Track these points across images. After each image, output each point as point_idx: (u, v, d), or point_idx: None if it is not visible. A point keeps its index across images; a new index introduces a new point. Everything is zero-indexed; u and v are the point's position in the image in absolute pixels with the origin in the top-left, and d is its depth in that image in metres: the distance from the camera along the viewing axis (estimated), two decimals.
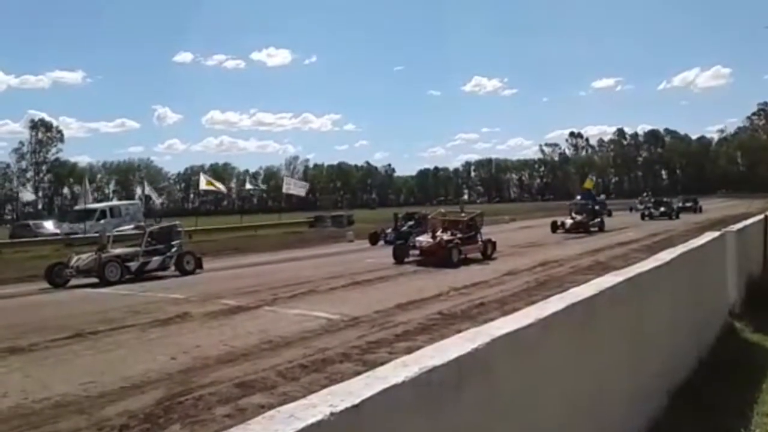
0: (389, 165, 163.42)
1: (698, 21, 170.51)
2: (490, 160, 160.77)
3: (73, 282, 16.91)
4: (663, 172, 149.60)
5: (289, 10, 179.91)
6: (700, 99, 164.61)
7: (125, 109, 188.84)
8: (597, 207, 35.35)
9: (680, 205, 47.36)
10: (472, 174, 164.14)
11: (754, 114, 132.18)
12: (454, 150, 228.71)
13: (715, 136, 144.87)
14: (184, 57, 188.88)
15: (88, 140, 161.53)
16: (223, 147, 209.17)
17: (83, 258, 17.37)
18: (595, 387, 3.89)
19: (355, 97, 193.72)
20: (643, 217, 42.07)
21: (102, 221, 36.26)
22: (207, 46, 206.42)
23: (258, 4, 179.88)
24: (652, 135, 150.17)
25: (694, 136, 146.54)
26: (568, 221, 31.14)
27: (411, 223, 26.64)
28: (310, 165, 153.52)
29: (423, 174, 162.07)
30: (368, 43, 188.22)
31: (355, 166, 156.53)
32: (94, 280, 16.76)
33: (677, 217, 41.37)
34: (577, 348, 3.71)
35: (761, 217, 12.57)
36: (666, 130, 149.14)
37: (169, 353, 8.71)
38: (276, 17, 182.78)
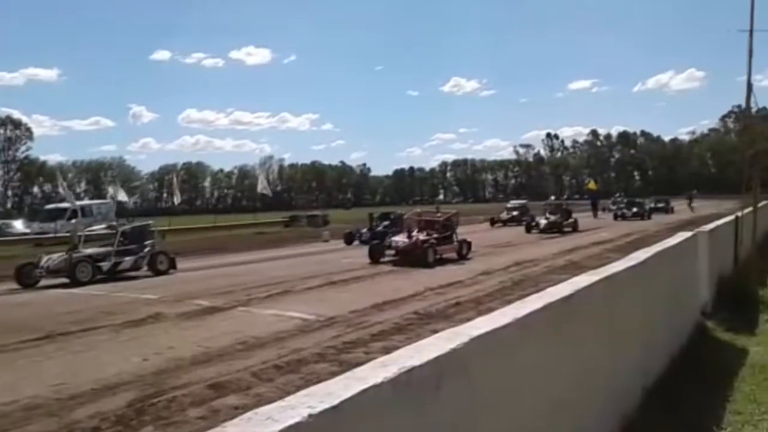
0: (364, 164, 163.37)
1: (673, 24, 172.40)
2: (465, 161, 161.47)
3: (44, 282, 16.66)
4: (635, 173, 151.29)
5: (269, 9, 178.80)
6: (674, 101, 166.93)
7: (100, 107, 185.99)
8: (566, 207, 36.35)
9: (652, 205, 47.97)
10: (448, 174, 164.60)
11: (725, 116, 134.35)
12: (431, 150, 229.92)
13: (687, 138, 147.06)
14: (162, 55, 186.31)
15: (60, 138, 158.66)
16: (198, 146, 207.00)
17: (54, 258, 17.11)
18: (572, 385, 3.91)
19: (334, 96, 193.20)
20: (616, 217, 42.60)
21: (73, 221, 35.72)
22: (185, 44, 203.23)
23: (238, 2, 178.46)
24: (624, 136, 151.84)
25: (669, 138, 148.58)
26: (543, 221, 31.42)
27: (386, 223, 26.69)
28: (285, 165, 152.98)
29: (398, 174, 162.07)
30: (348, 43, 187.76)
31: (330, 165, 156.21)
32: (65, 280, 16.52)
33: (649, 218, 41.93)
34: (553, 347, 3.72)
35: (732, 217, 12.78)
36: (641, 132, 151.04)
37: (141, 354, 8.61)
38: (256, 16, 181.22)
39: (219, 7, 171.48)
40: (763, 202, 20.28)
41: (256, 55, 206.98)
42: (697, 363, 6.80)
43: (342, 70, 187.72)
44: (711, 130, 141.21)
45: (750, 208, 12.38)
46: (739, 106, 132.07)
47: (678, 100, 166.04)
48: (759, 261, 12.74)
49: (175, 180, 47.76)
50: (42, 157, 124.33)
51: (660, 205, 50.23)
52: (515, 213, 39.53)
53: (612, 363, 4.82)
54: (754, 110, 13.33)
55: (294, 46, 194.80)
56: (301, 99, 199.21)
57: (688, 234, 9.11)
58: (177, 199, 47.69)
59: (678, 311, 7.71)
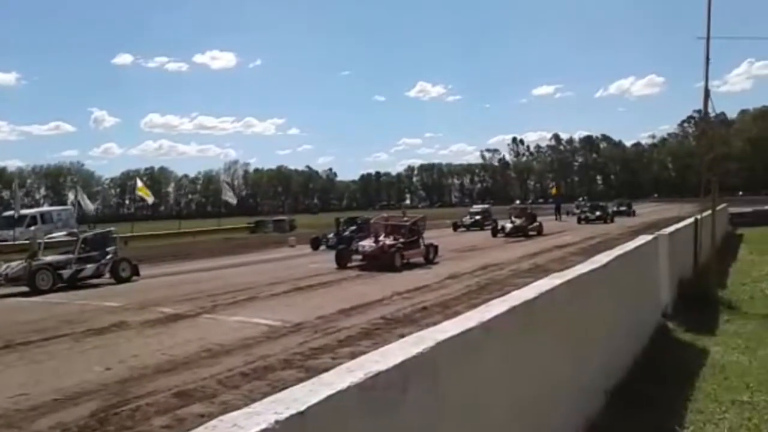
0: (330, 169, 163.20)
1: (634, 30, 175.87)
2: (432, 165, 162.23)
3: (2, 291, 16.27)
4: (598, 177, 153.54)
5: (234, 12, 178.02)
6: (635, 106, 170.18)
7: (60, 111, 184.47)
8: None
9: (615, 209, 48.79)
10: (415, 179, 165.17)
11: (684, 121, 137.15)
12: (397, 155, 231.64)
13: (648, 142, 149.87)
14: (124, 59, 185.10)
15: (19, 144, 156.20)
16: (162, 151, 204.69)
17: (12, 266, 16.75)
18: (537, 388, 3.95)
19: (300, 101, 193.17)
20: (579, 221, 43.12)
21: (33, 228, 34.96)
22: (148, 48, 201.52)
23: (203, 5, 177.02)
24: (588, 141, 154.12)
25: (630, 142, 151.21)
26: (508, 225, 31.72)
27: (353, 227, 26.64)
28: (250, 169, 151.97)
29: (365, 179, 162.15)
30: (314, 48, 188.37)
31: (296, 170, 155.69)
32: (25, 288, 16.17)
33: (612, 221, 42.60)
34: (518, 349, 3.76)
35: (691, 220, 13.05)
36: (603, 136, 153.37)
37: (104, 363, 8.46)
38: (221, 20, 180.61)
39: (183, 10, 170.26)
40: (722, 205, 20.75)
41: (220, 59, 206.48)
42: (659, 364, 6.92)
43: (308, 75, 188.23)
44: (670, 134, 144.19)
45: (709, 211, 12.66)
46: (698, 111, 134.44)
47: (639, 105, 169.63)
48: (718, 263, 13.04)
49: (139, 182, 46.98)
50: (0, 164, 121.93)
51: (622, 208, 51.11)
52: (478, 217, 39.90)
53: (575, 365, 4.88)
54: (712, 115, 13.64)
55: (259, 51, 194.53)
56: (267, 103, 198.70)
57: (649, 237, 9.28)
58: (150, 200, 47.14)
59: (640, 313, 7.84)
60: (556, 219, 46.35)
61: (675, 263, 10.24)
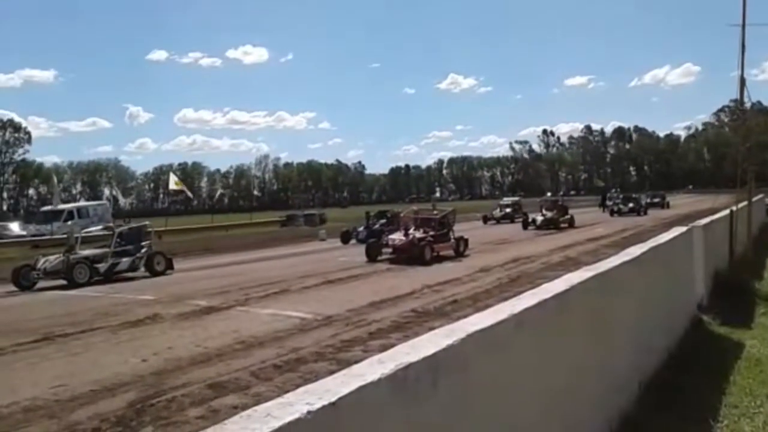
0: (359, 162, 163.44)
1: (669, 19, 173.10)
2: (462, 158, 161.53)
3: (41, 284, 16.63)
4: (631, 168, 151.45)
5: (266, 7, 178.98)
6: (670, 96, 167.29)
7: (96, 108, 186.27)
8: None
9: (648, 201, 48.06)
10: (444, 171, 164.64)
11: (719, 110, 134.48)
12: (427, 148, 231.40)
13: (683, 133, 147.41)
14: (159, 55, 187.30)
15: (57, 140, 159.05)
16: (195, 146, 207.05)
17: (51, 260, 17.08)
18: (568, 380, 3.93)
19: (331, 95, 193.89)
20: (612, 213, 42.59)
21: (69, 222, 35.61)
22: (182, 44, 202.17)
23: (236, 1, 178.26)
24: (620, 132, 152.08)
25: (665, 133, 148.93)
26: (539, 218, 31.49)
27: (383, 221, 26.67)
28: (281, 164, 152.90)
29: (395, 172, 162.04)
30: (345, 41, 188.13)
31: (326, 164, 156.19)
32: (62, 282, 16.50)
33: (645, 213, 41.95)
34: (549, 342, 3.75)
35: (727, 212, 12.83)
36: (635, 127, 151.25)
37: (140, 355, 8.62)
38: (253, 15, 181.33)
39: (216, 6, 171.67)
40: (759, 196, 20.33)
41: (253, 54, 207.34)
42: (694, 357, 6.84)
43: (339, 69, 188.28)
44: (706, 124, 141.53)
45: (745, 202, 12.43)
46: (734, 101, 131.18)
47: (674, 95, 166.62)
48: (754, 255, 12.81)
49: (171, 177, 47.52)
50: (38, 159, 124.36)
51: (656, 200, 50.36)
52: (508, 210, 39.47)
53: (608, 357, 4.85)
54: (747, 104, 13.38)
55: (291, 45, 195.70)
56: (298, 98, 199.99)
57: (683, 229, 9.15)
58: (191, 195, 47.89)
59: (674, 305, 7.75)
60: (603, 211, 45.83)
61: (710, 255, 10.08)
